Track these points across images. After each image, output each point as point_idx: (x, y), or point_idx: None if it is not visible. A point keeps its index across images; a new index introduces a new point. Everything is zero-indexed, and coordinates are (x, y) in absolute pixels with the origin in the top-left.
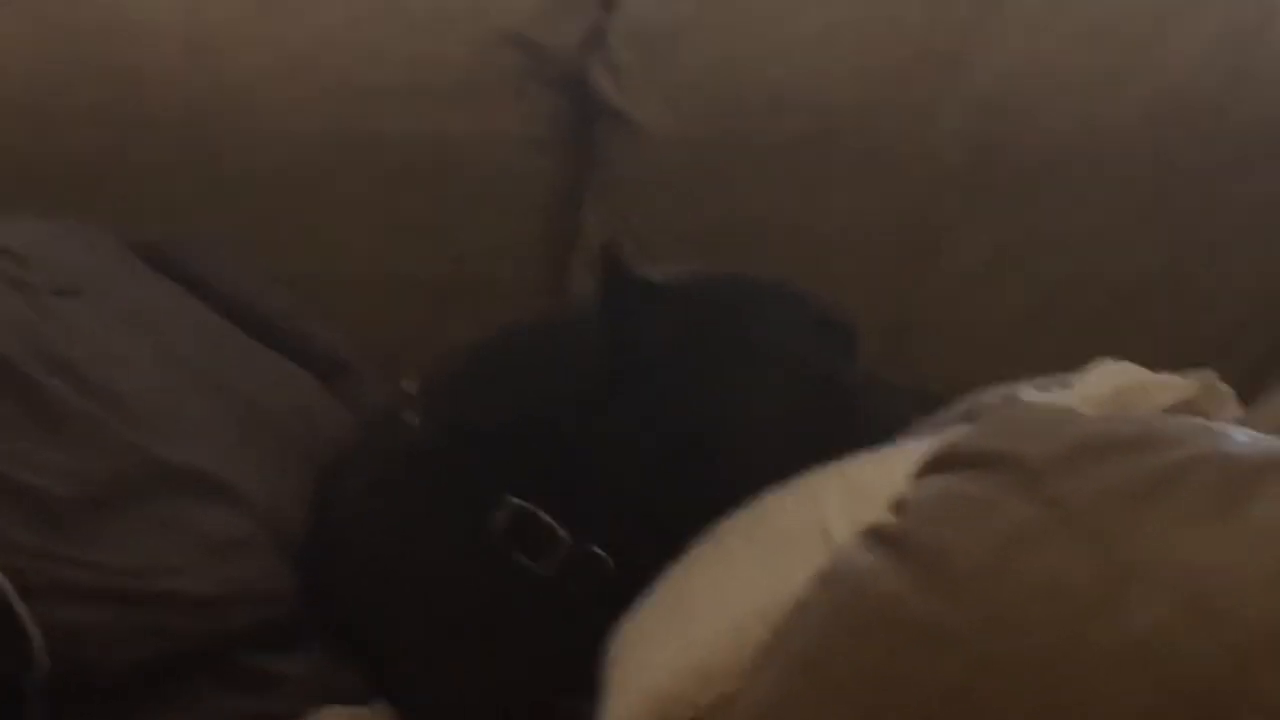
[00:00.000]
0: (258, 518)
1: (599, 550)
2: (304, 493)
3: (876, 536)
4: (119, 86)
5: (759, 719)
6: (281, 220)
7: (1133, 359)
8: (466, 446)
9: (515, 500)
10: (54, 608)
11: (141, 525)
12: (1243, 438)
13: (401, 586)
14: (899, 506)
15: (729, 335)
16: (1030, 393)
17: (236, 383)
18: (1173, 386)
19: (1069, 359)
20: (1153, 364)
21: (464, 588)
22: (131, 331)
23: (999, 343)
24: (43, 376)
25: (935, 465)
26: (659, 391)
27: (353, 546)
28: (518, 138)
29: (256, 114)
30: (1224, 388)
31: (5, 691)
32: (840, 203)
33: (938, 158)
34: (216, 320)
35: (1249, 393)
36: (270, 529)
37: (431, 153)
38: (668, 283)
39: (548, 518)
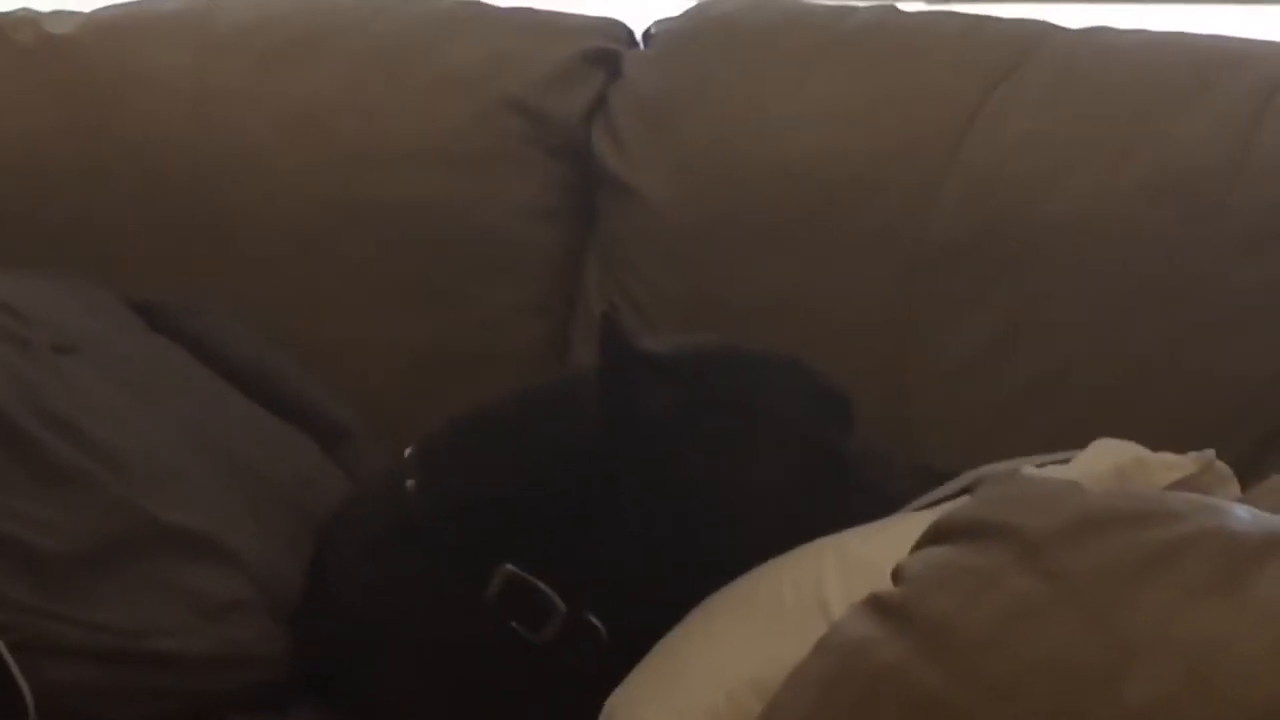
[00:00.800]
0: (253, 580)
1: (594, 620)
2: (300, 556)
3: (876, 606)
4: (122, 146)
5: None
6: (283, 283)
7: (1132, 438)
8: (463, 514)
9: (511, 568)
10: (45, 665)
11: (135, 584)
12: (1245, 515)
13: (396, 652)
14: (899, 576)
15: (727, 407)
16: (1030, 469)
17: (235, 445)
18: (1173, 464)
19: (1068, 437)
20: (1152, 444)
21: (458, 655)
22: (130, 390)
23: (997, 422)
24: (39, 432)
25: (936, 536)
26: (656, 462)
27: (348, 611)
28: (520, 205)
29: (260, 176)
30: (1223, 467)
31: None
32: (840, 278)
33: (938, 236)
34: (217, 382)
35: (1248, 476)
36: (265, 591)
37: (434, 218)
38: (666, 353)
39: (543, 586)
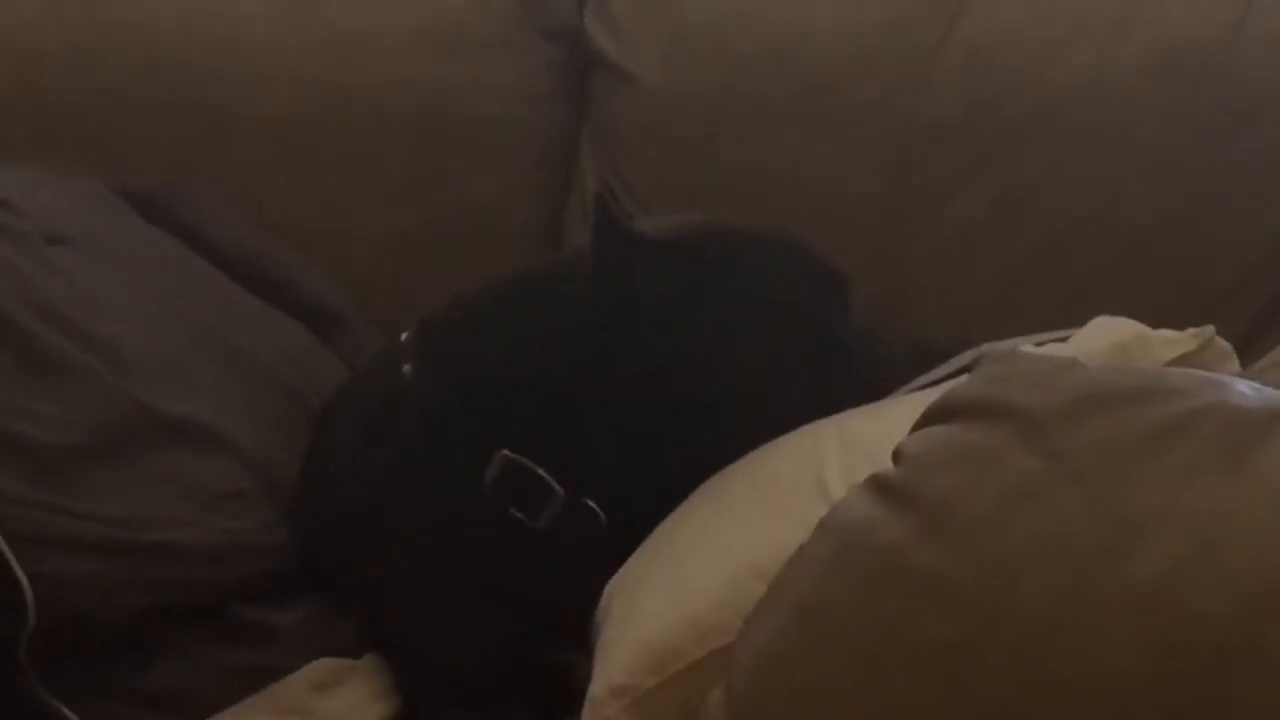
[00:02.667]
0: (251, 469)
1: (591, 503)
2: (298, 445)
3: (876, 486)
4: (111, 32)
5: (757, 667)
6: (274, 168)
7: (1130, 314)
8: (460, 399)
9: (508, 453)
10: (43, 558)
11: (133, 475)
12: (1248, 390)
13: (394, 539)
14: (899, 456)
15: (722, 287)
16: (1029, 347)
17: (230, 334)
18: (1173, 341)
19: (1066, 314)
20: (1151, 320)
21: (457, 540)
22: (123, 280)
23: (995, 297)
24: (33, 324)
25: (936, 415)
26: (651, 344)
27: (346, 498)
28: (513, 88)
29: (251, 60)
30: (1224, 344)
31: None
32: (835, 155)
33: (933, 112)
34: (210, 270)
35: (1248, 348)
36: (264, 480)
37: (427, 102)
38: (660, 235)
39: (541, 470)
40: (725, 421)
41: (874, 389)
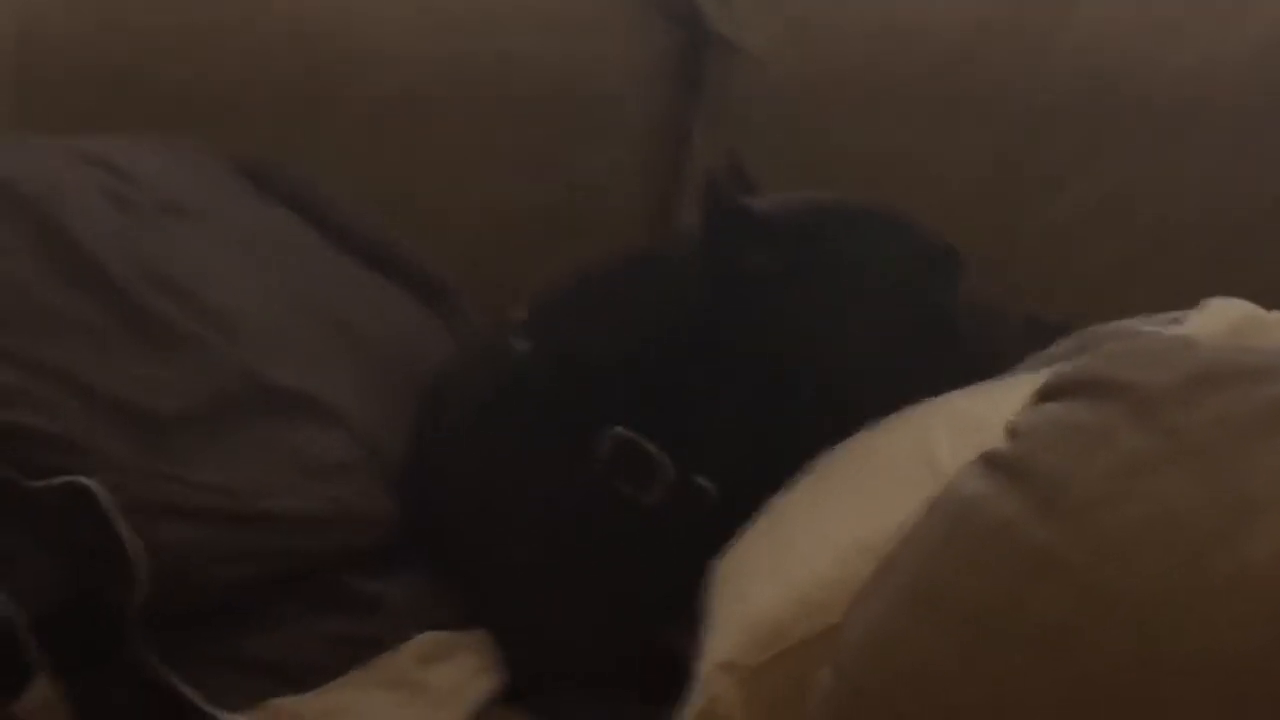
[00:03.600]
0: (360, 441)
1: (703, 481)
2: (404, 418)
3: (989, 463)
4: (227, 8)
5: (865, 647)
6: (384, 144)
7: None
8: (573, 375)
9: (620, 430)
10: (155, 526)
11: (244, 445)
12: None
13: (503, 513)
14: (1012, 433)
15: (830, 266)
16: (1144, 326)
17: (341, 306)
18: None
19: (1178, 301)
20: (1266, 306)
21: (566, 516)
22: (236, 252)
23: (1107, 283)
24: (146, 293)
25: (1049, 393)
26: (761, 322)
27: (454, 472)
28: (625, 67)
29: (364, 36)
30: None
31: (104, 613)
32: (951, 139)
33: (1049, 95)
34: (321, 243)
35: None
36: (372, 452)
37: (539, 79)
38: (769, 211)
39: (652, 447)
40: (834, 400)
41: (988, 364)
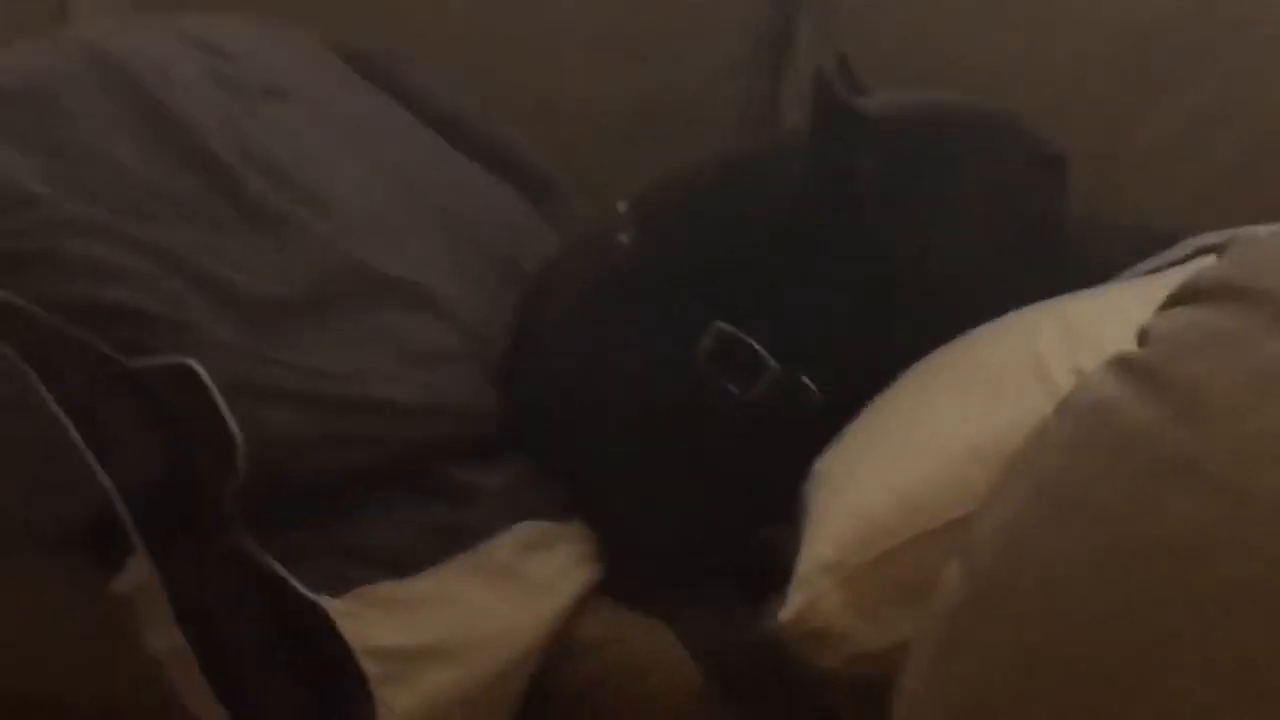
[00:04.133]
0: (461, 330)
1: (806, 380)
2: (506, 309)
3: (1124, 366)
4: None
5: (997, 543)
6: (485, 37)
7: None
8: (678, 269)
9: (723, 325)
10: (255, 408)
11: (345, 330)
12: None
13: (604, 404)
14: (1145, 337)
15: (941, 166)
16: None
17: (445, 196)
18: None
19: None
20: None
21: (667, 410)
22: (339, 137)
23: (1216, 192)
24: (251, 176)
25: (1183, 297)
26: (868, 222)
27: (556, 362)
28: None
29: None
30: None
31: (203, 495)
32: (1061, 44)
33: (1148, 11)
34: (425, 132)
35: None
36: (473, 342)
37: None
38: (879, 111)
39: (756, 344)
40: (940, 302)
41: (1094, 272)
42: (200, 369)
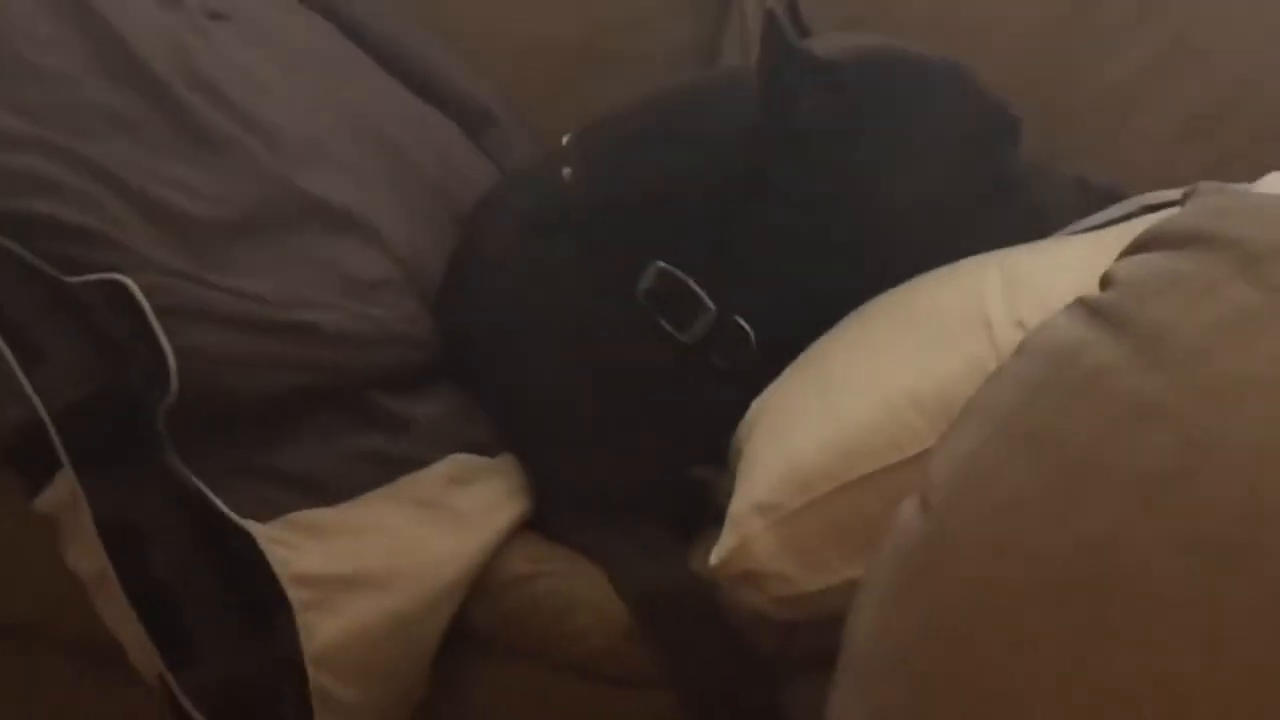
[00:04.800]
0: (398, 260)
1: (742, 322)
2: (443, 240)
3: (1087, 309)
4: None
5: (955, 478)
6: None
7: None
8: (621, 206)
9: (663, 264)
10: (189, 329)
11: (282, 255)
12: None
13: (542, 339)
14: (1109, 280)
15: (888, 112)
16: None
17: (384, 125)
18: None
19: (1226, 174)
20: None
21: (605, 347)
22: (282, 63)
23: (1157, 153)
24: (190, 96)
25: (1148, 243)
26: (813, 165)
27: (496, 294)
28: None
29: None
30: None
31: (133, 413)
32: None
33: None
34: (365, 60)
35: None
36: (409, 272)
37: None
38: (828, 54)
39: (694, 284)
40: (882, 249)
41: (1037, 223)
42: (135, 287)
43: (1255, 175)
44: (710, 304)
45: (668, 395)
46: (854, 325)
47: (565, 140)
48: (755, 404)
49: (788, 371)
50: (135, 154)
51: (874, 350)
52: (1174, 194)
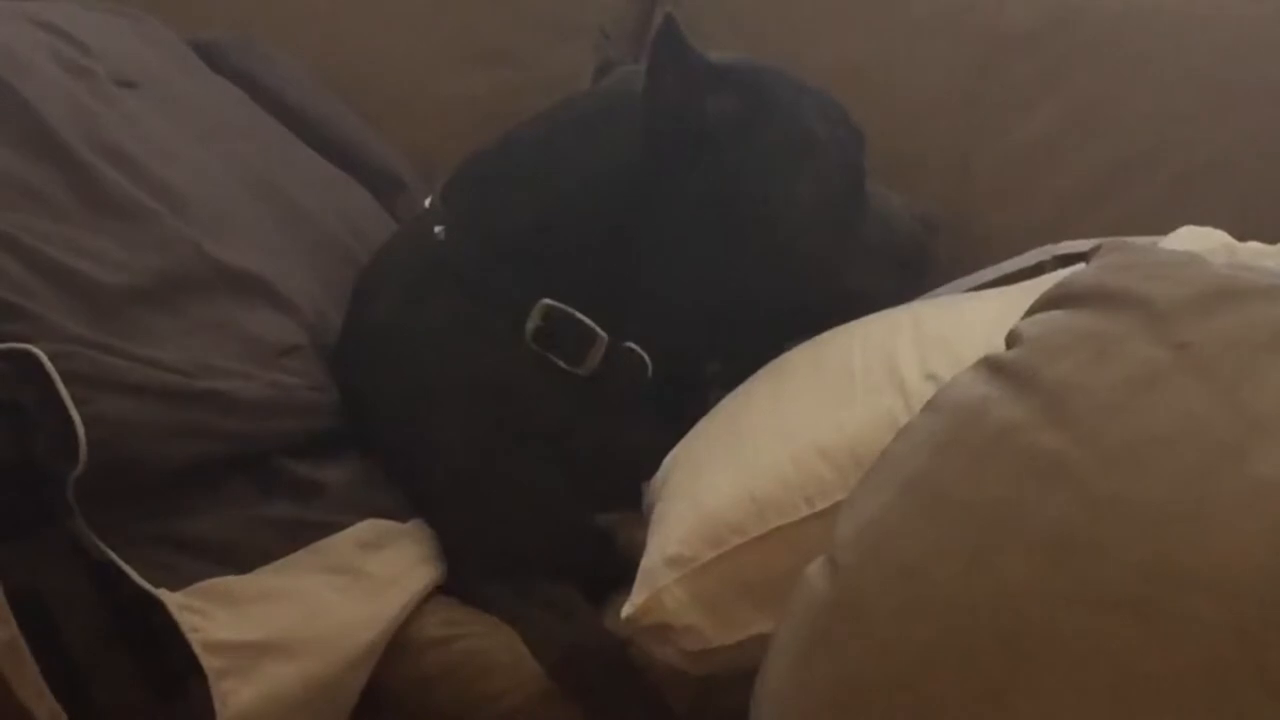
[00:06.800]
0: (305, 325)
1: (635, 346)
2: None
3: (993, 367)
4: None
5: (861, 541)
6: (342, 33)
7: None
8: (494, 253)
9: (548, 302)
10: (98, 398)
11: (191, 323)
12: None
13: (437, 399)
14: (1015, 338)
15: (781, 120)
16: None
17: (292, 191)
18: (1263, 253)
19: (1140, 229)
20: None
21: (501, 394)
22: (189, 129)
23: (1065, 209)
24: (97, 163)
25: (1054, 301)
26: (706, 171)
27: (386, 361)
28: None
29: None
30: None
31: (42, 483)
32: (912, 56)
33: (1012, 21)
34: (274, 125)
35: None
36: (318, 339)
37: None
38: (722, 61)
39: (582, 315)
40: (774, 257)
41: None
42: (43, 356)
43: (1164, 230)
44: (601, 332)
45: (569, 433)
46: (765, 380)
47: (428, 201)
48: (668, 458)
49: (700, 424)
50: (41, 221)
51: (785, 404)
52: (1085, 244)
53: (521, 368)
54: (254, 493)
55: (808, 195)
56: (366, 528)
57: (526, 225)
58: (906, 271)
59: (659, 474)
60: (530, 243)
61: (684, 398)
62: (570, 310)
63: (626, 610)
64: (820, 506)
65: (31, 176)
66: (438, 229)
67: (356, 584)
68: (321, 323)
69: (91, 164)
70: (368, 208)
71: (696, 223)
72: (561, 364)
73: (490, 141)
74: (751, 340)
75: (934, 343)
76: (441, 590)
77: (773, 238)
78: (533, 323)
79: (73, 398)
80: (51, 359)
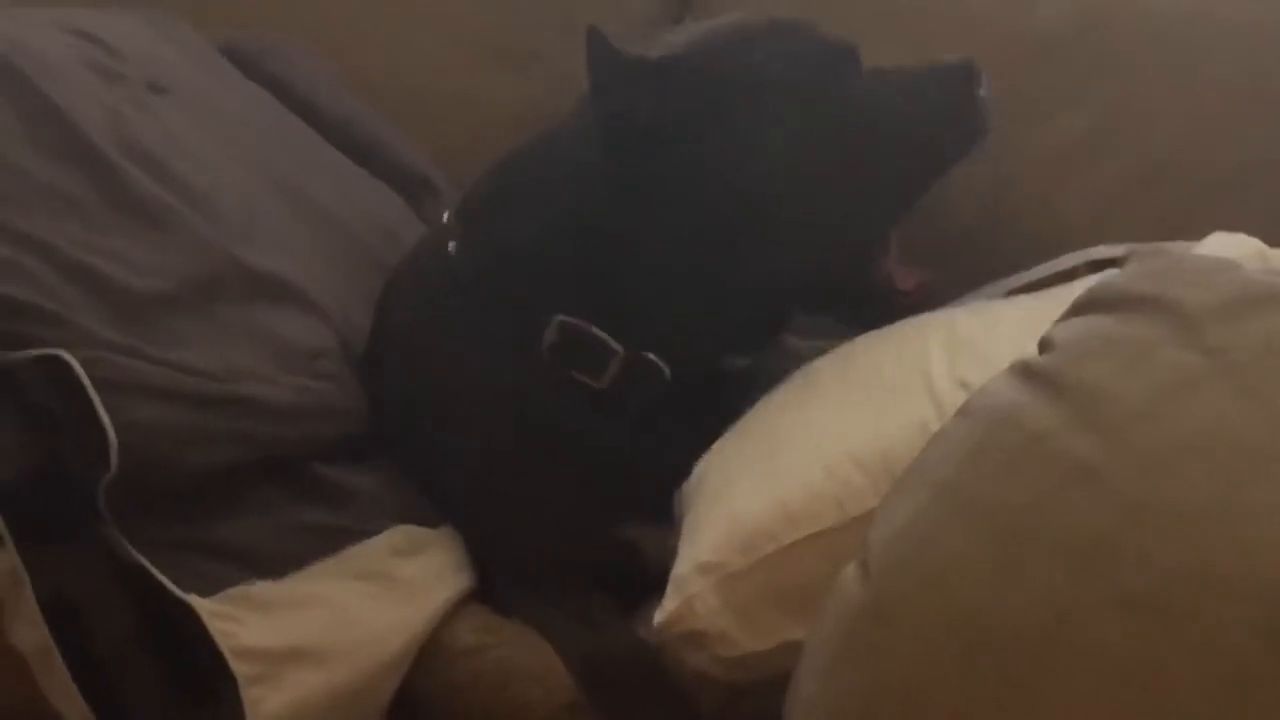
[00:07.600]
0: (335, 330)
1: (652, 356)
2: None
3: (1025, 373)
4: None
5: (893, 547)
6: (373, 35)
7: None
8: (508, 271)
9: (563, 318)
10: (128, 404)
11: (221, 328)
12: None
13: (458, 417)
14: (1047, 344)
15: (730, 88)
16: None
17: (322, 196)
18: None
19: (1165, 235)
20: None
21: (522, 412)
22: (221, 135)
23: (1097, 213)
24: (128, 167)
25: (1086, 306)
26: (668, 167)
27: (408, 369)
28: None
29: None
30: None
31: (74, 489)
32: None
33: (1042, 25)
34: (305, 130)
35: None
36: (347, 344)
37: None
38: (662, 54)
39: (597, 330)
40: (759, 234)
41: (890, 147)
42: (74, 362)
43: (1196, 236)
44: (617, 345)
45: (592, 447)
46: (797, 387)
47: (445, 216)
48: (699, 465)
49: (731, 432)
50: (74, 228)
51: (816, 412)
52: (1118, 249)
53: (542, 383)
54: (286, 498)
55: (776, 152)
56: (398, 534)
57: (529, 246)
58: (953, 133)
59: (690, 481)
60: (535, 262)
61: (713, 397)
62: (585, 325)
63: (658, 617)
64: (853, 513)
65: (62, 181)
66: (451, 244)
67: (388, 591)
68: (350, 327)
69: (123, 169)
70: (396, 211)
71: (676, 216)
72: (581, 377)
73: (502, 154)
74: (765, 323)
75: (966, 348)
76: (474, 598)
77: (743, 212)
78: (549, 338)
79: (104, 403)
80: (83, 365)
